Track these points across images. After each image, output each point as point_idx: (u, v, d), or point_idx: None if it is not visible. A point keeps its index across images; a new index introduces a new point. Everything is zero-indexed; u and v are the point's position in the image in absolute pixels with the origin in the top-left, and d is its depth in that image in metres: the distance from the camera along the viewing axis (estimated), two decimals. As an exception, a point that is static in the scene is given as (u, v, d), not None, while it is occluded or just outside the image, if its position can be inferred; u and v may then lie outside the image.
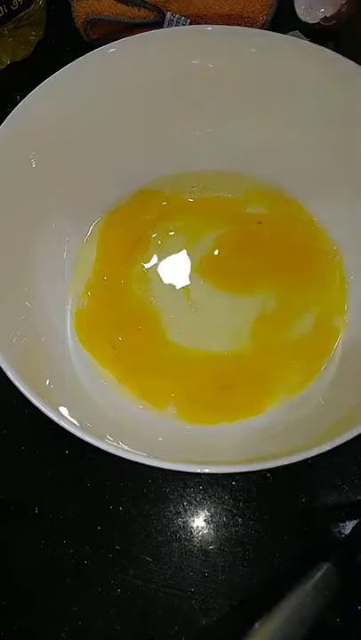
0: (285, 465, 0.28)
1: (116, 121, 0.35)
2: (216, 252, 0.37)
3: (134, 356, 0.34)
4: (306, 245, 0.37)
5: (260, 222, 0.37)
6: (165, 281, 0.36)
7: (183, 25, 0.40)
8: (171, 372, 0.34)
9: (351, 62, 0.31)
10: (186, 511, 0.32)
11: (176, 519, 0.32)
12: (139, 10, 0.41)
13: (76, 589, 0.31)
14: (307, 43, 0.31)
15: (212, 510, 0.32)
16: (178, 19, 0.40)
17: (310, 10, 0.39)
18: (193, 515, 0.32)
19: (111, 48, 0.32)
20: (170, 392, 0.33)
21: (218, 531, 0.31)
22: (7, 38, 0.41)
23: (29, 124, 0.31)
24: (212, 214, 0.38)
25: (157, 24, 0.41)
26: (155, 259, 0.37)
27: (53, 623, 0.30)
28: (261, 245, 0.37)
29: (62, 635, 0.30)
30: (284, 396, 0.32)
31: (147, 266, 0.37)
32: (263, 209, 0.38)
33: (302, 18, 0.40)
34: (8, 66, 0.43)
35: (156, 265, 0.37)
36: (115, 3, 0.41)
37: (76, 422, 0.25)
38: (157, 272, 0.36)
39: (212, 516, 0.32)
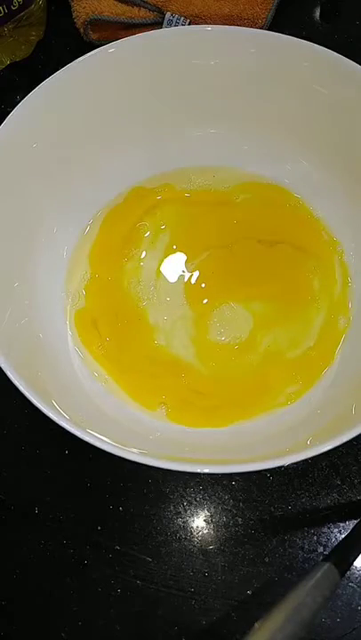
0: (286, 465, 0.28)
1: (115, 120, 0.35)
2: (212, 250, 0.37)
3: (126, 356, 0.34)
4: (306, 242, 0.36)
5: (258, 219, 0.37)
6: (158, 278, 0.36)
7: (183, 25, 0.40)
8: (161, 376, 0.34)
9: (351, 62, 0.31)
10: (186, 511, 0.32)
11: (176, 519, 0.32)
12: (139, 10, 0.41)
13: (76, 589, 0.31)
14: (307, 43, 0.31)
15: (212, 510, 0.32)
16: (177, 19, 0.40)
17: None
18: (193, 515, 0.32)
19: (111, 48, 0.32)
20: (161, 395, 0.33)
21: (218, 531, 0.31)
22: (7, 38, 0.41)
23: (29, 123, 0.31)
24: (207, 208, 0.37)
25: (157, 24, 0.41)
26: (147, 255, 0.37)
27: (53, 623, 0.30)
28: (259, 243, 0.37)
29: (62, 635, 0.30)
30: (280, 406, 0.32)
31: (138, 263, 0.36)
32: (262, 204, 0.37)
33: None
34: (8, 66, 0.43)
35: (149, 262, 0.36)
36: (115, 3, 0.41)
37: (76, 422, 0.25)
38: (149, 269, 0.36)
39: (212, 515, 0.32)
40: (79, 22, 0.41)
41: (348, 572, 0.30)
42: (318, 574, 0.24)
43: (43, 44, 0.43)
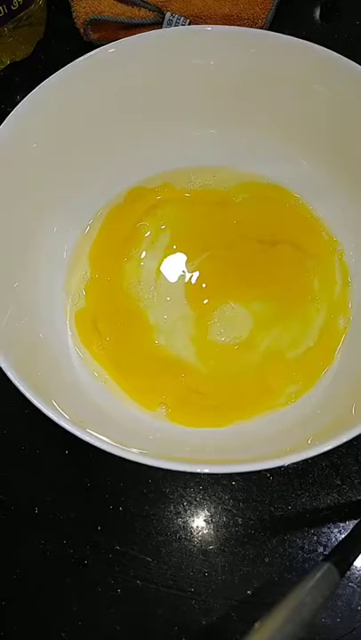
0: (286, 465, 0.28)
1: (115, 120, 0.35)
2: (212, 251, 0.37)
3: (126, 356, 0.34)
4: (306, 242, 0.36)
5: (258, 219, 0.37)
6: (158, 278, 0.36)
7: (183, 25, 0.40)
8: (161, 376, 0.34)
9: (351, 62, 0.31)
10: (186, 511, 0.32)
11: (176, 519, 0.32)
12: (139, 10, 0.41)
13: (76, 589, 0.31)
14: (307, 43, 0.31)
15: (212, 510, 0.32)
16: (177, 19, 0.40)
17: None
18: (193, 515, 0.32)
19: (111, 48, 0.32)
20: (161, 395, 0.33)
21: (218, 531, 0.31)
22: (7, 38, 0.41)
23: (29, 123, 0.31)
24: (207, 208, 0.37)
25: (157, 24, 0.41)
26: (147, 255, 0.37)
27: (53, 623, 0.30)
28: (259, 243, 0.37)
29: (62, 635, 0.30)
30: (280, 406, 0.32)
31: (138, 263, 0.36)
32: (262, 204, 0.37)
33: None
34: (8, 66, 0.43)
35: (149, 262, 0.36)
36: (115, 3, 0.41)
37: (76, 422, 0.25)
38: (149, 269, 0.36)
39: (212, 515, 0.32)
40: (79, 22, 0.41)
41: (348, 572, 0.30)
42: (318, 574, 0.24)
43: (43, 44, 0.43)
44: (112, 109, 0.34)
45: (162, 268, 0.36)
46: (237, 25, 0.40)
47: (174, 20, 0.40)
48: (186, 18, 0.40)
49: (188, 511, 0.32)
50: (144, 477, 0.32)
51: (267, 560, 0.31)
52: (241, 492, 0.32)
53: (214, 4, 0.40)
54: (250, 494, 0.32)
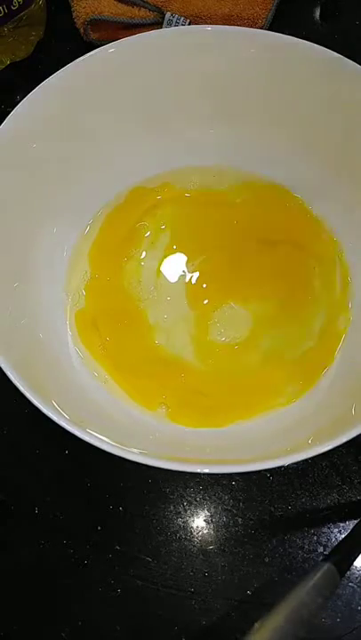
0: (286, 465, 0.28)
1: (115, 121, 0.35)
2: (212, 251, 0.37)
3: (126, 356, 0.34)
4: (306, 242, 0.36)
5: (258, 219, 0.37)
6: (158, 278, 0.36)
7: (183, 25, 0.40)
8: (161, 375, 0.34)
9: (351, 62, 0.31)
10: (186, 511, 0.32)
11: (176, 519, 0.32)
12: (139, 10, 0.41)
13: (76, 589, 0.31)
14: (307, 43, 0.31)
15: (212, 510, 0.32)
16: (177, 19, 0.40)
17: None
18: (193, 515, 0.32)
19: (111, 48, 0.32)
20: (161, 395, 0.33)
21: (218, 531, 0.31)
22: (7, 38, 0.41)
23: (29, 123, 0.31)
24: (207, 208, 0.37)
25: (157, 24, 0.41)
26: (147, 255, 0.37)
27: (53, 623, 0.30)
28: (259, 243, 0.37)
29: (62, 635, 0.30)
30: (280, 406, 0.32)
31: (138, 263, 0.36)
32: (262, 204, 0.37)
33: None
34: (8, 66, 0.43)
35: (149, 262, 0.36)
36: (115, 3, 0.41)
37: (75, 422, 0.25)
38: (149, 269, 0.36)
39: (212, 515, 0.32)
40: (79, 22, 0.41)
41: (348, 572, 0.30)
42: (318, 574, 0.24)
43: (43, 44, 0.43)
44: (112, 109, 0.34)
45: (162, 268, 0.36)
46: (237, 25, 0.40)
47: (174, 20, 0.40)
48: (186, 18, 0.40)
49: (188, 511, 0.32)
50: (144, 477, 0.32)
51: (267, 560, 0.31)
52: (241, 492, 0.32)
53: (214, 4, 0.40)
54: (250, 494, 0.32)
